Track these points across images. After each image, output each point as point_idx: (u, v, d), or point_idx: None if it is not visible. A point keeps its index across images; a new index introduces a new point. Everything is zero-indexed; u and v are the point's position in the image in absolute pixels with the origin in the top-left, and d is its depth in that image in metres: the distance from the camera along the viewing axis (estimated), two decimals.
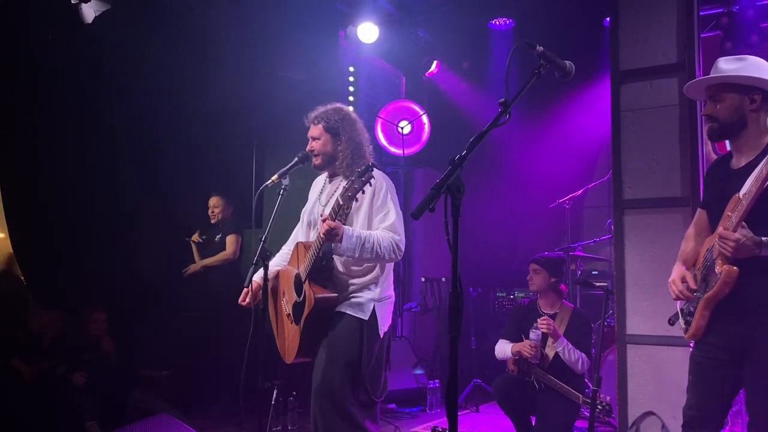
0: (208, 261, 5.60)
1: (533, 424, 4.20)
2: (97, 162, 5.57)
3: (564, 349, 3.96)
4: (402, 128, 6.48)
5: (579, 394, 3.99)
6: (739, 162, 2.55)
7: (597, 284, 4.10)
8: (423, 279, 6.41)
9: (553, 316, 4.17)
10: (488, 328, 6.49)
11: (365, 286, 2.95)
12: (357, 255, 2.81)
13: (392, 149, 6.53)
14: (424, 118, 6.52)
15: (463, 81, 7.05)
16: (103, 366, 4.83)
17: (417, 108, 6.55)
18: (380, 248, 2.83)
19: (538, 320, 4.00)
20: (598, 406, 3.71)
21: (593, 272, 6.02)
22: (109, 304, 5.23)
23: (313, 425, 3.05)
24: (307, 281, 2.87)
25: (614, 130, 3.83)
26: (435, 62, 6.85)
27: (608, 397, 3.82)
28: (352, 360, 2.87)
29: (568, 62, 2.22)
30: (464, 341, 5.89)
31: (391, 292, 3.07)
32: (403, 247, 2.92)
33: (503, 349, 4.23)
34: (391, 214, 2.93)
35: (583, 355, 4.03)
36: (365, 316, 2.91)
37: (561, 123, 6.74)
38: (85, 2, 4.76)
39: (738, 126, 2.51)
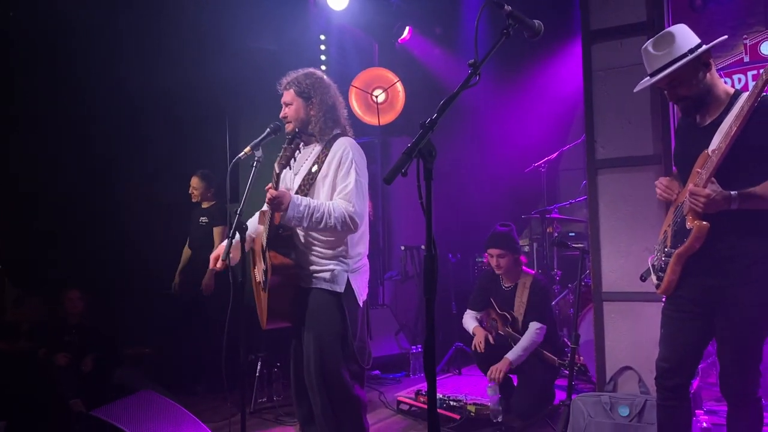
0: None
1: (515, 384, 4.29)
2: (72, 141, 5.49)
3: (521, 357, 4.10)
4: (376, 97, 6.44)
5: (554, 357, 4.09)
6: (704, 120, 2.58)
7: (573, 245, 4.15)
8: (402, 247, 6.45)
9: (515, 287, 4.36)
10: (468, 293, 6.55)
11: (335, 258, 2.92)
12: (305, 224, 2.78)
13: (367, 119, 6.49)
14: (399, 86, 6.48)
15: (436, 46, 6.99)
16: (86, 345, 4.81)
17: (391, 75, 6.50)
18: (330, 218, 2.78)
19: (488, 378, 4.12)
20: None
21: (570, 234, 6.09)
22: (90, 283, 5.20)
23: (296, 400, 3.07)
24: (268, 249, 2.86)
25: (586, 91, 3.83)
26: (407, 28, 6.78)
27: (582, 357, 3.93)
28: (337, 334, 2.87)
29: (536, 21, 2.21)
30: (445, 306, 5.94)
31: (364, 261, 3.05)
32: (358, 219, 2.84)
33: (468, 324, 4.46)
34: (351, 184, 2.85)
35: (536, 324, 4.17)
36: (341, 289, 2.90)
37: (536, 87, 6.73)
38: None
39: (707, 93, 2.53)
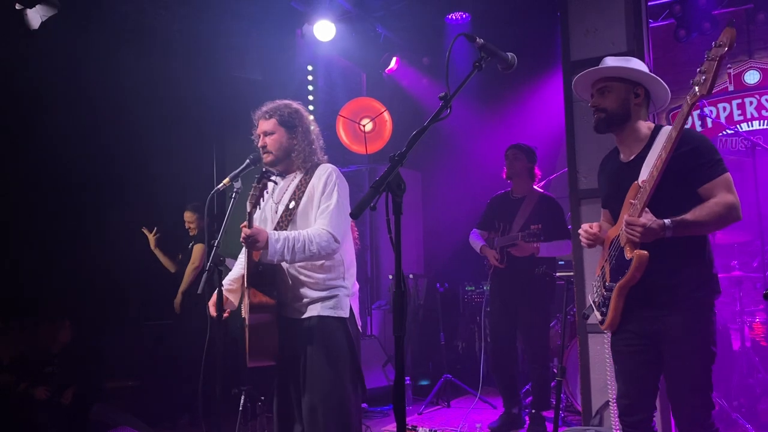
0: (183, 287, 5.46)
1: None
2: (57, 171, 5.45)
3: (549, 250, 4.38)
4: (364, 126, 6.45)
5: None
6: (627, 155, 2.62)
7: (558, 274, 4.13)
8: (391, 276, 6.39)
9: (522, 200, 4.54)
10: (458, 323, 6.50)
11: (335, 282, 2.86)
12: (288, 258, 2.71)
13: (355, 148, 6.49)
14: (386, 115, 6.49)
15: (423, 76, 7.04)
16: (67, 377, 4.73)
17: (378, 105, 6.52)
18: (312, 245, 2.72)
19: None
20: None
21: (559, 262, 6.05)
22: (72, 314, 5.12)
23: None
24: (248, 287, 2.79)
25: (568, 121, 3.85)
26: (394, 58, 6.82)
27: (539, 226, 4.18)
28: (345, 362, 2.81)
29: (509, 54, 2.22)
30: (433, 337, 5.89)
31: (356, 283, 3.04)
32: (339, 237, 2.78)
33: (475, 243, 4.66)
34: (332, 204, 2.82)
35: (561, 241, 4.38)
36: (346, 314, 2.84)
37: (522, 117, 6.76)
38: (30, 7, 4.63)
39: (623, 117, 2.59)
